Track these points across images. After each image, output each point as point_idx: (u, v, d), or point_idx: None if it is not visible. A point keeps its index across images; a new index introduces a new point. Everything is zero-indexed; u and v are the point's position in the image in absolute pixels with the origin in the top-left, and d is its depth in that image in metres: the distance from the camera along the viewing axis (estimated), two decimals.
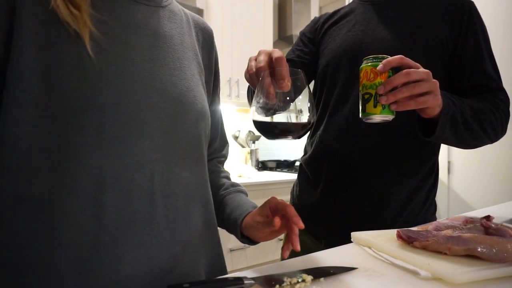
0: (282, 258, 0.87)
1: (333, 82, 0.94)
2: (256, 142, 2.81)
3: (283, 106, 0.53)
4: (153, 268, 0.47)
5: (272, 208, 0.56)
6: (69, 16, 0.45)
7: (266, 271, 0.56)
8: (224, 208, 0.66)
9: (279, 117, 0.54)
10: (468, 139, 0.81)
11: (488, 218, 0.73)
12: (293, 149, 3.07)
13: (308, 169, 1.01)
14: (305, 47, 1.03)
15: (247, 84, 0.63)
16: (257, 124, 0.56)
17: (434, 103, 0.67)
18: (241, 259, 2.22)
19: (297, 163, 2.90)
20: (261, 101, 0.52)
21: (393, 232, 0.69)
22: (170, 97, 0.53)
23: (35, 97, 0.45)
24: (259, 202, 0.61)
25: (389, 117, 0.66)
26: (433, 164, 0.93)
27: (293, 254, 0.69)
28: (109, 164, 0.47)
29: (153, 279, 0.49)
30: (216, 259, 0.64)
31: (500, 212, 0.97)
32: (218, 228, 0.68)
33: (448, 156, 2.30)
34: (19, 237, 0.44)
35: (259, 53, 0.56)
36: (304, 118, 0.55)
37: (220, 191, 0.68)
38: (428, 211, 0.93)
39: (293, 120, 0.55)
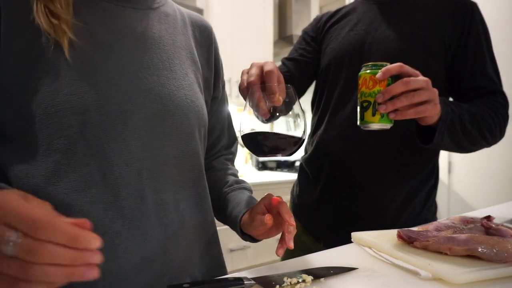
0: (282, 258, 0.87)
1: (335, 82, 0.94)
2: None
3: (273, 122, 0.53)
4: (144, 261, 0.48)
5: (267, 205, 0.56)
6: (49, 25, 0.47)
7: (266, 272, 0.56)
8: (227, 205, 0.66)
9: (269, 134, 0.54)
10: (466, 145, 0.81)
11: (488, 218, 0.73)
12: None
13: (308, 168, 1.01)
14: (308, 46, 1.03)
15: None
16: (246, 140, 0.55)
17: (433, 112, 0.67)
18: (241, 259, 2.22)
19: (297, 163, 2.90)
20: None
21: (393, 232, 0.69)
22: (157, 97, 0.54)
23: (19, 101, 0.47)
24: None
25: (387, 126, 0.65)
26: (433, 166, 0.93)
27: (293, 254, 0.69)
28: (96, 163, 0.49)
29: (144, 272, 0.51)
30: (213, 256, 0.65)
31: (500, 212, 0.97)
32: (220, 227, 0.68)
33: (449, 156, 2.30)
34: None
35: (251, 66, 0.56)
36: (296, 133, 0.54)
37: (224, 188, 0.69)
38: (428, 212, 0.93)
39: (284, 136, 0.54)
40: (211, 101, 0.70)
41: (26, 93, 0.47)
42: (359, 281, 0.53)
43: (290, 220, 0.52)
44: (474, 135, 0.79)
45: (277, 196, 0.57)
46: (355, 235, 0.71)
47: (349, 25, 0.96)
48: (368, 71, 0.65)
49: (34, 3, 0.48)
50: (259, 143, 0.54)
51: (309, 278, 0.52)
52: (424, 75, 0.66)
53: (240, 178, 0.73)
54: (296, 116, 0.54)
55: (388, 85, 0.64)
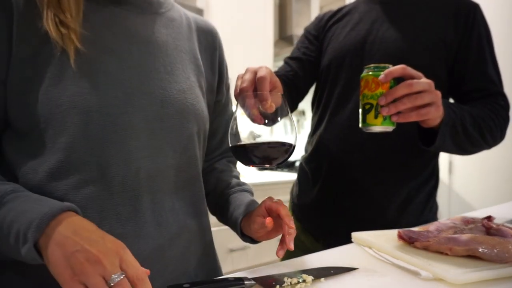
0: (282, 258, 0.87)
1: (335, 81, 0.94)
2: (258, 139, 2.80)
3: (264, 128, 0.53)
4: (139, 258, 0.48)
5: (267, 207, 0.57)
6: (57, 34, 0.49)
7: (266, 272, 0.56)
8: (228, 206, 0.67)
9: (258, 144, 0.54)
10: (467, 147, 0.81)
11: (489, 218, 0.73)
12: None
13: (308, 168, 1.01)
14: (311, 45, 1.02)
15: None
16: (235, 151, 0.55)
17: (436, 115, 0.67)
18: (241, 259, 2.22)
19: (297, 163, 2.90)
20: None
21: (394, 232, 0.69)
22: (157, 100, 0.56)
23: (26, 101, 0.49)
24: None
25: (390, 128, 0.65)
26: (433, 166, 0.93)
27: (293, 254, 0.69)
28: (95, 162, 0.50)
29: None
30: (208, 258, 0.66)
31: (501, 213, 0.97)
32: (220, 227, 0.69)
33: (449, 156, 2.29)
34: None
35: (246, 71, 0.56)
36: (287, 141, 0.54)
37: (226, 189, 0.70)
38: (429, 212, 0.92)
39: (274, 145, 0.54)
40: (215, 104, 0.71)
41: (32, 94, 0.49)
42: (360, 281, 0.53)
43: (290, 223, 0.54)
44: (475, 137, 0.79)
45: (277, 199, 0.59)
46: (355, 235, 0.71)
47: (350, 24, 0.95)
48: (370, 73, 0.64)
49: (45, 10, 0.49)
50: (248, 154, 0.53)
51: (309, 278, 0.52)
52: (425, 75, 0.65)
53: (241, 180, 0.74)
54: (286, 123, 0.54)
55: (391, 87, 0.63)
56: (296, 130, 0.55)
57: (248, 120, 0.54)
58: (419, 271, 0.54)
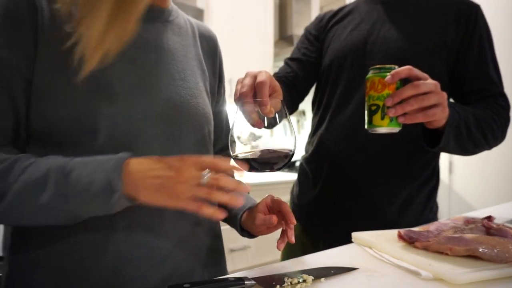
0: (282, 258, 0.87)
1: (337, 82, 0.93)
2: (257, 142, 2.81)
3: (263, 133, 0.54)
4: (160, 247, 0.55)
5: (269, 205, 0.62)
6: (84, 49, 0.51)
7: (266, 272, 0.56)
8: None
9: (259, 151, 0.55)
10: (470, 147, 0.81)
11: (489, 218, 0.73)
12: None
13: (308, 168, 1.01)
14: (311, 45, 1.02)
15: None
16: (236, 159, 0.55)
17: (442, 116, 0.67)
18: (242, 259, 2.22)
19: (297, 163, 2.90)
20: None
21: (394, 232, 0.69)
22: (175, 105, 0.59)
23: (49, 105, 0.51)
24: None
25: (396, 129, 0.65)
26: (434, 167, 0.93)
27: (293, 254, 0.69)
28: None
29: (159, 255, 0.56)
30: (215, 252, 0.69)
31: (501, 213, 0.97)
32: (221, 228, 0.71)
33: (450, 156, 2.29)
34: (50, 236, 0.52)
35: (245, 76, 0.57)
36: (286, 146, 0.54)
37: None
38: (429, 212, 0.92)
39: (274, 153, 0.55)
40: (214, 105, 0.74)
41: (52, 100, 0.51)
42: (360, 281, 0.53)
43: (292, 219, 0.57)
44: (478, 138, 0.79)
45: (276, 197, 0.63)
46: (355, 235, 0.71)
47: (351, 25, 0.95)
48: (376, 74, 0.64)
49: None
50: (249, 162, 0.54)
51: (309, 278, 0.52)
52: None
53: (237, 178, 0.75)
54: (286, 126, 0.55)
55: (397, 88, 0.63)
56: (295, 133, 0.56)
57: (248, 124, 0.55)
58: (419, 271, 0.54)
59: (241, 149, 0.56)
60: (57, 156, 0.49)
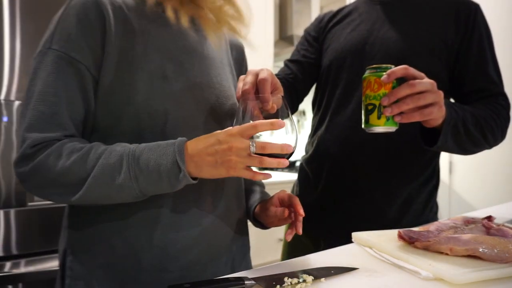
0: (282, 258, 0.87)
1: (336, 82, 0.94)
2: (259, 139, 2.80)
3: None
4: (201, 232, 0.62)
5: (281, 198, 0.68)
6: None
7: (266, 272, 0.56)
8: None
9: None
10: (469, 147, 0.81)
11: (489, 218, 0.73)
12: None
13: (308, 169, 1.01)
14: (310, 46, 1.02)
15: None
16: None
17: (438, 115, 0.67)
18: None
19: (298, 163, 2.90)
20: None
21: (394, 232, 0.69)
22: (213, 105, 0.66)
23: (114, 103, 0.59)
24: None
25: (393, 129, 0.65)
26: (434, 167, 0.93)
27: (293, 254, 0.69)
28: None
29: (201, 238, 0.63)
30: (244, 238, 0.76)
31: (501, 213, 0.97)
32: None
33: (450, 156, 2.30)
34: (106, 215, 0.60)
35: (247, 73, 0.59)
36: (288, 140, 0.55)
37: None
38: (429, 212, 0.92)
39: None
40: None
41: (122, 97, 0.58)
42: (360, 281, 0.53)
43: (300, 211, 0.63)
44: (477, 137, 0.79)
45: (288, 192, 0.70)
46: (355, 235, 0.71)
47: (351, 25, 0.95)
48: (373, 73, 0.64)
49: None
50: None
51: (309, 278, 0.52)
52: (426, 76, 0.65)
53: None
54: (287, 123, 0.56)
55: (393, 87, 0.63)
56: (296, 130, 0.57)
57: (250, 121, 0.55)
58: (419, 271, 0.54)
59: None
60: (125, 143, 0.56)
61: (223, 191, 0.67)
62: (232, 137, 0.51)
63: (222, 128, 0.65)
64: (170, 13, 0.63)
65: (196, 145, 0.53)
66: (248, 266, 0.75)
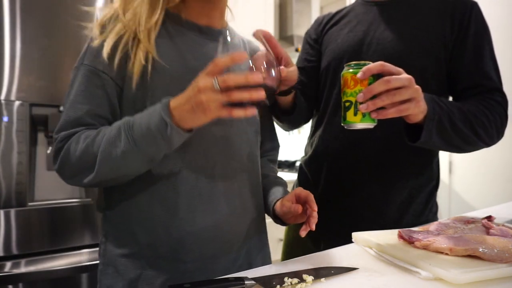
0: (282, 258, 0.87)
1: (334, 83, 0.94)
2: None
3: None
4: (215, 227, 0.67)
5: (297, 195, 0.69)
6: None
7: (267, 271, 0.56)
8: (265, 194, 0.81)
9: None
10: (460, 144, 0.79)
11: (489, 218, 0.73)
12: (294, 149, 3.07)
13: (307, 169, 1.01)
14: (311, 49, 1.03)
15: None
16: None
17: (416, 110, 0.66)
18: None
19: (298, 163, 2.90)
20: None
21: (394, 232, 0.69)
22: None
23: (140, 106, 0.64)
24: None
25: (371, 125, 0.65)
26: (434, 167, 0.92)
27: (293, 254, 0.69)
28: (185, 155, 0.66)
29: (214, 233, 0.68)
30: (262, 234, 0.80)
31: (501, 212, 0.97)
32: None
33: (449, 156, 2.29)
34: (132, 201, 0.67)
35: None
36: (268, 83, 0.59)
37: (263, 180, 0.83)
38: (429, 212, 0.92)
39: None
40: (260, 110, 0.84)
41: (142, 104, 0.64)
42: (360, 281, 0.53)
43: (313, 207, 0.65)
44: (467, 134, 0.77)
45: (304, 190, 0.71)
46: (355, 235, 0.71)
47: (348, 27, 0.96)
48: (350, 70, 0.64)
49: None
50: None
51: (309, 278, 0.52)
52: (423, 76, 0.65)
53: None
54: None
55: (370, 84, 0.63)
56: (279, 74, 0.63)
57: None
58: (419, 271, 0.54)
59: None
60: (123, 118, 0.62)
61: (237, 190, 0.72)
62: (198, 78, 0.54)
63: (234, 128, 0.71)
64: (185, 25, 0.70)
65: (177, 98, 0.57)
66: (265, 261, 0.79)
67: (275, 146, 0.92)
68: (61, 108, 1.30)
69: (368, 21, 0.93)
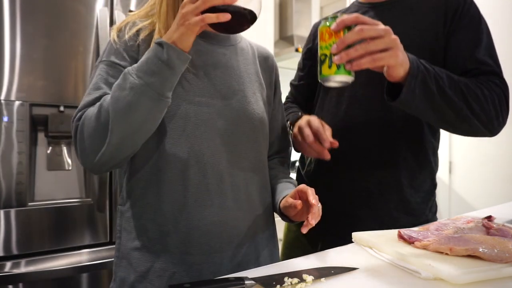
0: (282, 258, 0.87)
1: (326, 89, 0.94)
2: None
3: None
4: (222, 222, 0.70)
5: (300, 191, 0.69)
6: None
7: (266, 272, 0.56)
8: (273, 192, 0.84)
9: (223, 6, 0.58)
10: (452, 118, 0.75)
11: (489, 218, 0.73)
12: None
13: (306, 169, 1.01)
14: (309, 61, 1.05)
15: None
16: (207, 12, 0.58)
17: (392, 61, 0.63)
18: None
19: (298, 164, 2.89)
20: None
21: (394, 232, 0.69)
22: (234, 110, 0.74)
23: None
24: None
25: (347, 78, 0.63)
26: (432, 166, 0.92)
27: (293, 254, 0.69)
28: (193, 152, 0.69)
29: (221, 228, 0.70)
30: (270, 231, 0.82)
31: (501, 212, 0.97)
32: None
33: (449, 156, 2.30)
34: (142, 204, 0.71)
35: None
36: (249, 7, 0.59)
37: (273, 180, 0.86)
38: (429, 212, 0.92)
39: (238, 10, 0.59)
40: (270, 112, 0.87)
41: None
42: (360, 281, 0.53)
43: (313, 201, 0.63)
44: (458, 104, 0.73)
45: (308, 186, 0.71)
46: (355, 235, 0.71)
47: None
48: (326, 23, 0.63)
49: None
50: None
51: (309, 278, 0.52)
52: None
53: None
54: None
55: None
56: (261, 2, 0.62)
57: None
58: (419, 271, 0.54)
59: None
60: None
61: (244, 187, 0.74)
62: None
63: (239, 127, 0.74)
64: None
65: (169, 32, 0.62)
66: (274, 258, 0.81)
67: (285, 147, 0.92)
68: (61, 108, 1.30)
69: None
